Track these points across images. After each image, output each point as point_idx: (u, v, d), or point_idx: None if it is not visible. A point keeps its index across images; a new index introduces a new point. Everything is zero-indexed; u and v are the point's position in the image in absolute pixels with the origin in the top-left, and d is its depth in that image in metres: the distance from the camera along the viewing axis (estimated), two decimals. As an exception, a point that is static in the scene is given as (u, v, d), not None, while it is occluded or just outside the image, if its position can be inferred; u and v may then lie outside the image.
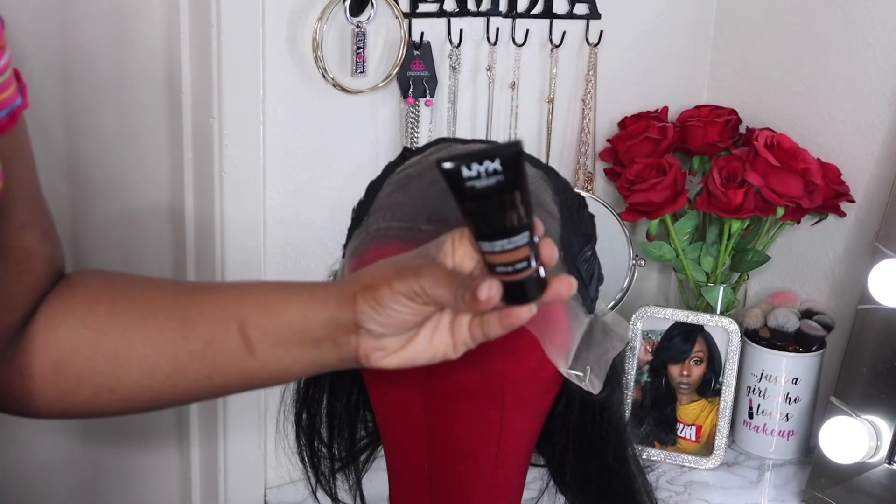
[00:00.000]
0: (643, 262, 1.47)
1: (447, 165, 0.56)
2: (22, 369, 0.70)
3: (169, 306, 0.71)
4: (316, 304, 0.68)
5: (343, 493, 0.90)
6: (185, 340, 0.69)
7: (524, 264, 0.59)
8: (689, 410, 1.45)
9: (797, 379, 1.43)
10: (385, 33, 1.29)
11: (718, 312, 1.49)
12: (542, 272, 0.61)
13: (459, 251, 0.63)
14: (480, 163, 0.55)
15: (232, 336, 0.69)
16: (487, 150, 0.55)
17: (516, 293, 0.61)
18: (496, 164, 0.55)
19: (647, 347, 1.46)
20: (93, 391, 0.70)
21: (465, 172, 0.55)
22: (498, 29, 1.37)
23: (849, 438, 1.31)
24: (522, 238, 0.59)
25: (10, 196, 0.67)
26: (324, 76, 1.25)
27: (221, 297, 0.72)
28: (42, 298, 0.72)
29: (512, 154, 0.55)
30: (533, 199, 0.58)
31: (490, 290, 0.59)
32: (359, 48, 1.26)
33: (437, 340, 0.66)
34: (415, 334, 0.66)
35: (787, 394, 1.44)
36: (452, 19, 1.34)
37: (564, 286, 0.61)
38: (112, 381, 0.70)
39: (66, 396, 0.71)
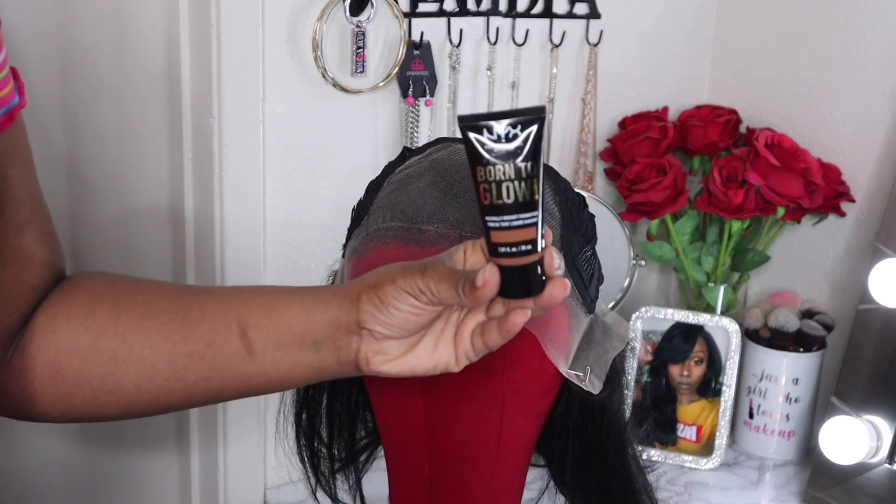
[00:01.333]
0: (643, 262, 1.46)
1: (467, 125, 0.54)
2: (21, 371, 0.70)
3: (170, 308, 0.71)
4: (319, 305, 0.67)
5: (343, 493, 0.90)
6: (184, 342, 0.69)
7: (529, 247, 0.58)
8: (690, 410, 1.45)
9: (797, 379, 1.43)
10: (385, 33, 1.29)
11: (719, 312, 1.48)
12: (540, 269, 0.59)
13: (472, 259, 0.62)
14: (502, 127, 0.54)
15: (232, 337, 0.68)
16: (509, 113, 0.54)
17: (515, 282, 0.59)
18: (517, 131, 0.54)
19: (648, 347, 1.46)
20: (90, 394, 0.70)
21: (485, 135, 0.54)
22: (498, 29, 1.37)
23: (849, 439, 1.31)
24: (532, 217, 0.57)
25: (7, 196, 0.67)
26: (324, 76, 1.25)
27: (224, 299, 0.72)
28: (41, 300, 0.72)
29: (534, 121, 0.54)
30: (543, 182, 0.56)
31: (486, 274, 0.59)
32: (359, 48, 1.26)
33: (440, 351, 0.66)
34: (417, 342, 0.66)
35: (788, 394, 1.44)
36: (452, 19, 1.34)
37: (559, 289, 0.61)
38: (110, 383, 0.70)
39: (64, 399, 0.70)
